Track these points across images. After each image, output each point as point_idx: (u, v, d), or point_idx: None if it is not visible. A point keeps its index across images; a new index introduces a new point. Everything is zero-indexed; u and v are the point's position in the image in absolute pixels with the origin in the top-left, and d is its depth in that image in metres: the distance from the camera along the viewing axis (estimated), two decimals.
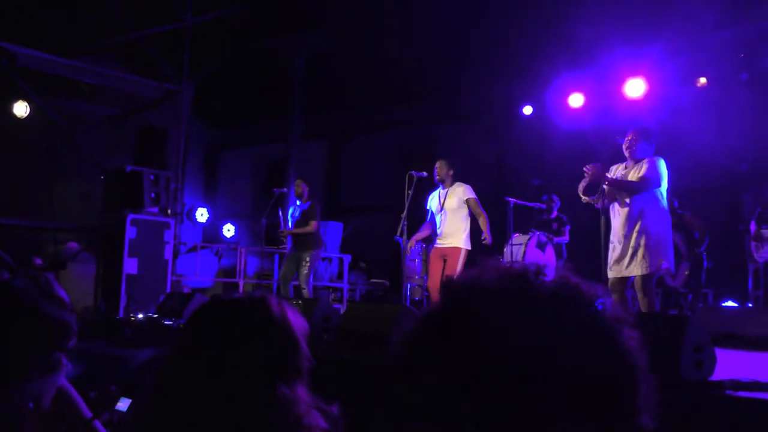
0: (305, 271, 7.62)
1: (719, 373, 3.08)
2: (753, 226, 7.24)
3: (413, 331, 0.65)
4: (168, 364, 1.26)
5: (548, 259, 8.44)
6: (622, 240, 4.96)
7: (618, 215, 5.06)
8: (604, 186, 5.07)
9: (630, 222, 4.95)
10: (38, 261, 9.25)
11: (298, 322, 1.30)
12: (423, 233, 6.70)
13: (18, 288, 1.39)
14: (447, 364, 0.59)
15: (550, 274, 0.65)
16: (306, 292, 7.54)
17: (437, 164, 6.58)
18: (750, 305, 7.41)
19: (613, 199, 5.08)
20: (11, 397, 1.32)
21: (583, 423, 0.57)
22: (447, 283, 0.66)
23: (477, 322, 0.61)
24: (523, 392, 0.57)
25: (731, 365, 3.45)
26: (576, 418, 0.57)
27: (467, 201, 6.45)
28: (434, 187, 6.71)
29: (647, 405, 0.61)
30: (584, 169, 5.04)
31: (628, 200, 4.98)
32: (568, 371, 0.58)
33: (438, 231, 6.52)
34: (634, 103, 9.21)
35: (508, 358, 0.58)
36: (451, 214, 6.44)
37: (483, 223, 6.41)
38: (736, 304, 7.68)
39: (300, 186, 7.95)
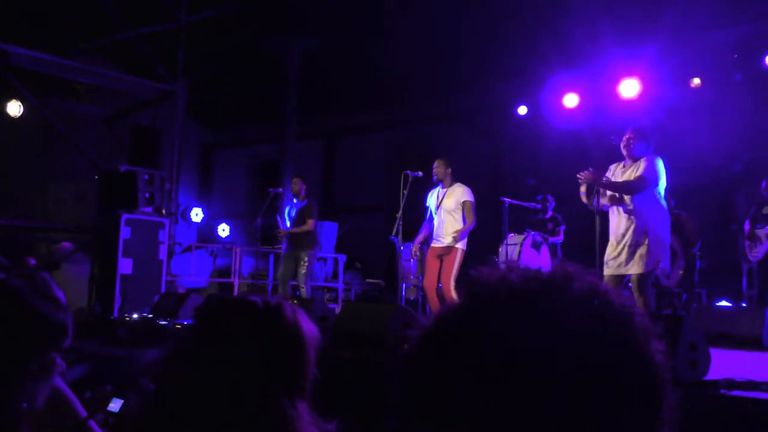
0: (304, 271, 7.59)
1: (713, 373, 3.09)
2: (747, 226, 7.25)
3: (434, 328, 0.64)
4: (170, 363, 1.24)
5: (543, 259, 8.46)
6: (620, 238, 4.98)
7: (616, 213, 5.08)
8: (601, 186, 5.08)
9: (628, 220, 4.97)
10: (32, 261, 9.22)
11: (310, 332, 1.27)
12: (423, 234, 6.70)
13: (13, 288, 1.38)
14: (472, 364, 0.58)
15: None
16: (304, 292, 7.51)
17: (436, 163, 6.59)
18: (744, 305, 7.44)
19: (612, 203, 5.09)
20: (9, 398, 1.31)
21: None
22: (471, 282, 0.65)
23: (504, 323, 0.60)
24: (548, 399, 0.56)
25: (725, 365, 3.47)
26: (599, 427, 0.57)
27: (463, 204, 6.44)
28: (433, 185, 6.71)
29: (669, 417, 0.61)
30: (578, 176, 5.06)
31: (626, 199, 5.00)
32: (595, 380, 0.57)
33: (435, 230, 6.52)
34: (628, 103, 9.24)
35: (535, 363, 0.57)
36: (448, 215, 6.43)
37: (465, 227, 6.40)
38: (730, 304, 7.70)
39: (297, 184, 7.92)
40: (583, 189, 5.12)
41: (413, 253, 6.68)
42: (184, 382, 1.19)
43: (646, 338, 0.62)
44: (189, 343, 1.25)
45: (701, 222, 7.96)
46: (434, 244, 6.54)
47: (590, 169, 5.04)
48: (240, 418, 1.14)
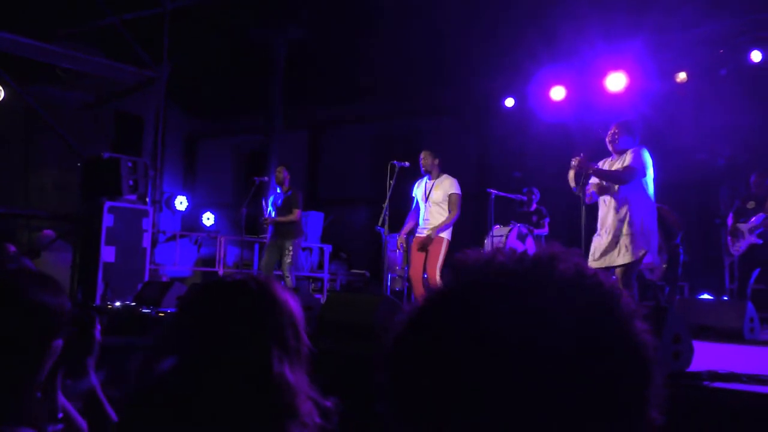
0: (288, 260, 7.56)
1: (696, 365, 3.12)
2: (729, 221, 7.31)
3: (421, 313, 0.63)
4: (167, 340, 1.24)
5: (529, 251, 8.48)
6: (607, 228, 4.99)
7: (604, 205, 5.09)
8: (590, 173, 5.07)
9: (615, 211, 4.98)
10: (12, 248, 9.10)
11: (298, 308, 1.32)
12: (409, 225, 6.67)
13: (15, 281, 1.35)
14: (462, 345, 0.58)
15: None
16: (289, 281, 7.48)
17: (422, 154, 6.54)
18: (725, 298, 7.52)
19: (600, 193, 5.11)
20: (27, 389, 1.31)
21: (594, 416, 0.56)
22: (458, 265, 0.64)
23: (492, 304, 0.59)
24: (536, 379, 0.56)
25: (708, 357, 3.49)
26: (587, 410, 0.56)
27: (450, 196, 6.40)
28: (419, 176, 6.69)
29: (657, 399, 0.61)
30: (571, 161, 5.06)
31: (614, 189, 5.01)
32: (583, 362, 0.57)
33: (421, 221, 6.51)
34: (615, 96, 9.27)
35: (524, 343, 0.57)
36: (436, 206, 6.41)
37: (448, 218, 6.33)
38: (711, 297, 7.78)
39: (282, 173, 7.87)
40: (571, 174, 5.13)
41: (399, 244, 6.66)
42: (181, 359, 1.20)
43: (633, 319, 0.62)
44: (183, 323, 1.28)
45: (685, 216, 8.01)
46: (419, 234, 6.52)
47: (581, 154, 5.04)
48: (239, 386, 1.16)
